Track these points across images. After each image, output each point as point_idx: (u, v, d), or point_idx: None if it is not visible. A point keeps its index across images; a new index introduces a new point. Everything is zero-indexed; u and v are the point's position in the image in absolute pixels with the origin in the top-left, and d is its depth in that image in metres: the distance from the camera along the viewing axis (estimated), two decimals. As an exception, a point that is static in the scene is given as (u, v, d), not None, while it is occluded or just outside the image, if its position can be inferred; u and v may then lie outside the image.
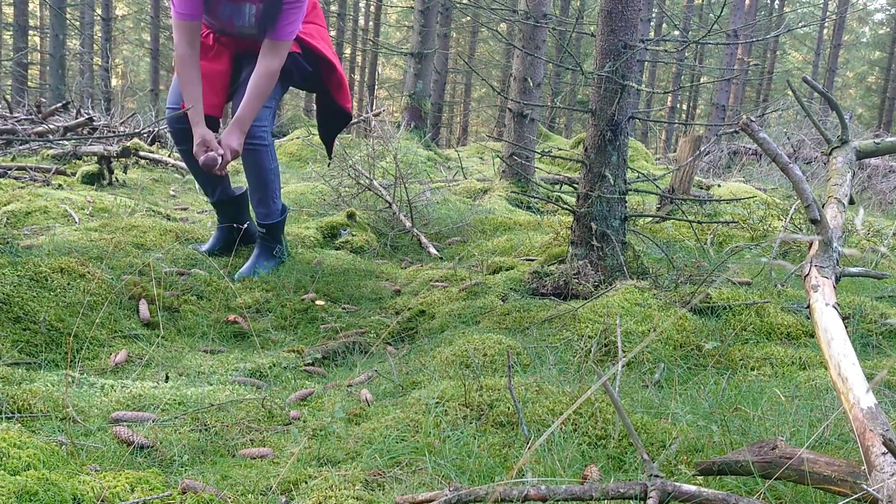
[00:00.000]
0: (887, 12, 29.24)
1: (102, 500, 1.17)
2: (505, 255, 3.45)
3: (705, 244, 3.59)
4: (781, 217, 4.09)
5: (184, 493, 1.23)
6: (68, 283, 2.32)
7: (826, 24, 23.58)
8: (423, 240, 3.80)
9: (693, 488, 1.12)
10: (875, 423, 1.10)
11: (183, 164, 5.90)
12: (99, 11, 17.61)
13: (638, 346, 1.10)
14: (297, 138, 8.30)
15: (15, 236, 2.84)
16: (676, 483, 1.13)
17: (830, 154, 1.96)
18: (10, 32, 17.01)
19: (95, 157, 5.21)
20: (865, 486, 1.05)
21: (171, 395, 1.75)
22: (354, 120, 10.71)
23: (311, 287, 2.91)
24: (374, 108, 11.55)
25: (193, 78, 2.76)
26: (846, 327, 1.34)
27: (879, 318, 2.35)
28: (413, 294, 2.89)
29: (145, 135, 6.71)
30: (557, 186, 5.85)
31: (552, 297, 2.71)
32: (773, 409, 1.65)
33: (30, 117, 6.54)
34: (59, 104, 6.88)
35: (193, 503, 1.21)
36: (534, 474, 1.35)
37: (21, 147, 5.74)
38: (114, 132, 6.56)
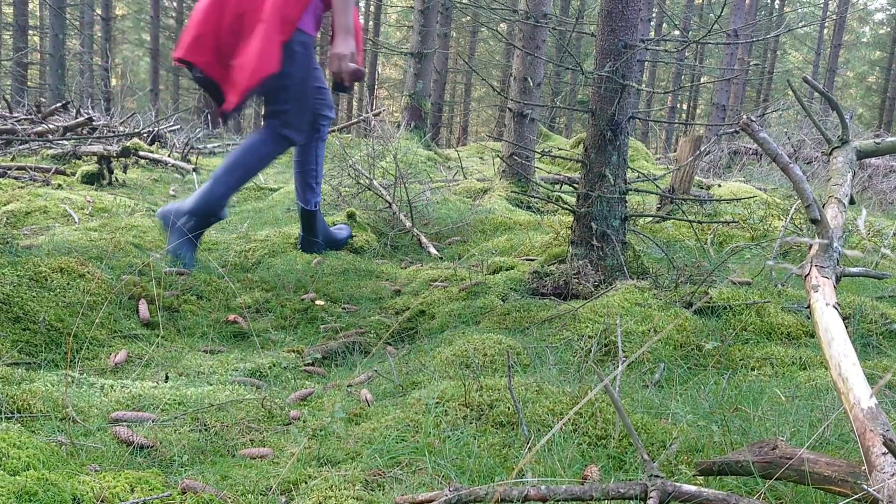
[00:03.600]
0: (887, 12, 29.24)
1: (102, 501, 1.17)
2: (505, 255, 3.45)
3: (705, 244, 3.59)
4: (782, 217, 4.09)
5: (184, 493, 1.23)
6: (68, 283, 2.32)
7: (826, 24, 23.59)
8: (423, 240, 3.80)
9: (693, 488, 1.12)
10: (875, 423, 1.10)
11: (183, 164, 5.90)
12: (99, 11, 17.62)
13: (640, 349, 1.10)
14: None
15: (15, 236, 2.84)
16: (676, 483, 1.13)
17: (831, 154, 1.95)
18: (10, 32, 17.01)
19: (95, 157, 5.21)
20: (866, 487, 1.05)
21: (170, 395, 1.75)
22: (354, 120, 10.70)
23: (311, 287, 2.91)
24: (373, 107, 11.55)
25: None
26: (846, 327, 1.34)
27: (880, 318, 2.35)
28: (413, 294, 2.89)
29: (145, 135, 6.71)
30: (557, 186, 5.85)
31: (552, 297, 2.70)
32: (774, 409, 1.65)
33: (29, 117, 6.54)
34: (59, 104, 6.88)
35: (193, 503, 1.21)
36: (534, 474, 1.35)
37: (21, 147, 5.74)
38: (113, 132, 6.56)
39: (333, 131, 9.21)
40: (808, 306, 1.44)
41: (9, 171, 4.88)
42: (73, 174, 4.98)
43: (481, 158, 8.87)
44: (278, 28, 2.71)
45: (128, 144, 5.67)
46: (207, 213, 2.88)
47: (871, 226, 4.00)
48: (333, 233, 3.39)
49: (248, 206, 4.71)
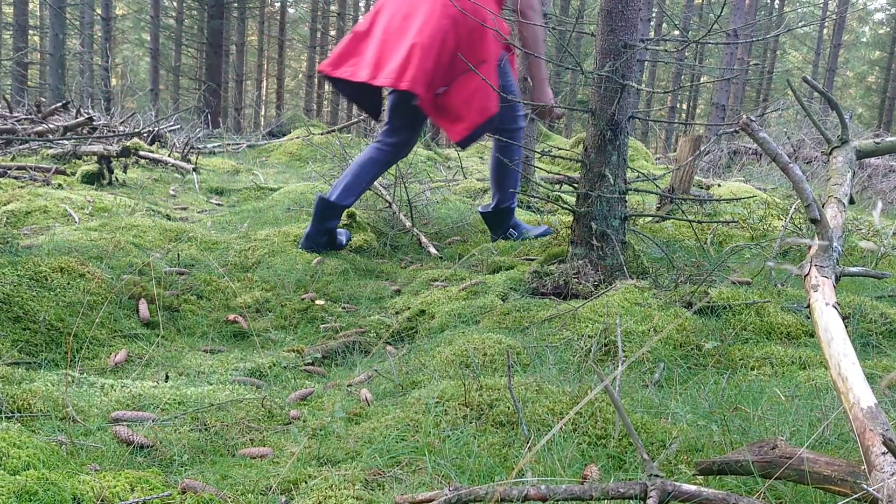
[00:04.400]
0: (887, 12, 29.24)
1: (102, 500, 1.17)
2: (505, 255, 3.45)
3: (705, 244, 3.59)
4: (781, 217, 4.09)
5: (184, 492, 1.23)
6: (68, 283, 2.32)
7: (826, 24, 23.60)
8: (423, 239, 3.80)
9: (693, 488, 1.12)
10: (875, 422, 1.10)
11: (183, 164, 5.90)
12: (99, 11, 17.61)
13: (640, 349, 1.10)
14: (298, 138, 8.31)
15: (15, 236, 2.84)
16: (676, 483, 1.13)
17: (830, 154, 1.96)
18: (10, 32, 17.01)
19: (95, 157, 5.21)
20: (865, 486, 1.05)
21: (170, 394, 1.75)
22: (354, 119, 10.71)
23: (311, 287, 2.91)
24: (373, 107, 11.49)
25: None
26: (846, 327, 1.34)
27: (879, 318, 2.35)
28: (413, 294, 2.89)
29: (145, 134, 6.71)
30: (557, 186, 5.85)
31: (552, 297, 2.70)
32: (773, 409, 1.65)
33: (30, 117, 6.54)
34: (59, 104, 6.88)
35: (193, 503, 1.21)
36: (534, 474, 1.35)
37: (21, 147, 5.74)
38: (113, 132, 6.56)
39: (333, 131, 9.21)
40: (808, 306, 1.44)
41: (9, 171, 4.88)
42: (73, 174, 4.98)
43: (481, 158, 8.88)
44: (496, 67, 3.00)
45: (128, 144, 5.67)
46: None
47: (870, 225, 4.00)
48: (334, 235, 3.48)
49: (248, 206, 4.71)
